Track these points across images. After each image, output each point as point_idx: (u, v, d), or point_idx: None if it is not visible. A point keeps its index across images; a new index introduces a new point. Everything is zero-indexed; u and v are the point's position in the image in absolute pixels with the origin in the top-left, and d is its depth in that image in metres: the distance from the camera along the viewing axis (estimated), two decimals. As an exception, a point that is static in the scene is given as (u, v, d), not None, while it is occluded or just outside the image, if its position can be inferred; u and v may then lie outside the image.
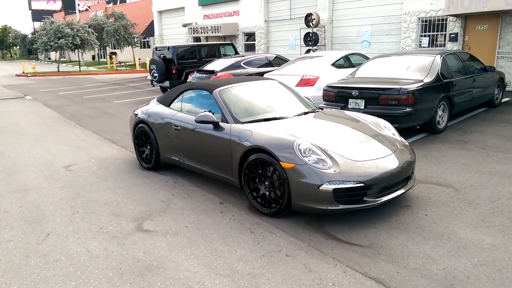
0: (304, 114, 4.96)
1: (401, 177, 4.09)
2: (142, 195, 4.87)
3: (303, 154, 3.84)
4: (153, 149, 5.64)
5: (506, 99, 10.33)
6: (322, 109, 5.35)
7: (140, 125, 5.86)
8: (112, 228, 4.02)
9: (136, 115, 6.02)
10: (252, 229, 3.89)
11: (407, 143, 4.63)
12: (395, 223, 3.93)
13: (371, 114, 5.53)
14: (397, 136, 4.70)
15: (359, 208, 3.80)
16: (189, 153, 5.13)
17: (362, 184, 3.75)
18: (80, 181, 5.45)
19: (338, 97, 7.26)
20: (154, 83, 14.06)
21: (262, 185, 4.19)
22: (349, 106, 7.05)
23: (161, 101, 5.87)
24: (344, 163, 3.86)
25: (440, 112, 7.17)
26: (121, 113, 10.92)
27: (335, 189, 3.68)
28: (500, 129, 7.38)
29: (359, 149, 4.14)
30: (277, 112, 4.94)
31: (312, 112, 5.09)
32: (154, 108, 5.83)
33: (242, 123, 4.57)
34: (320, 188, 3.69)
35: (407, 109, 6.48)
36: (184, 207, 4.48)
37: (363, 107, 6.86)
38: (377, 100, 6.70)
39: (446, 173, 5.22)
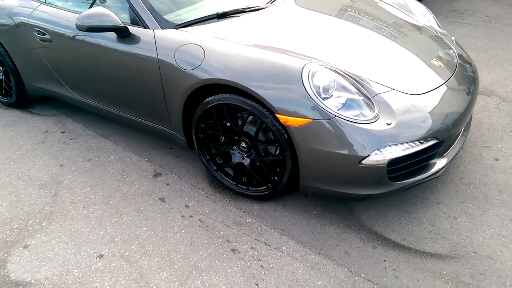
0: (280, -4, 2.78)
1: (470, 114, 2.34)
2: (1, 173, 2.65)
3: (324, 94, 1.88)
4: (10, 73, 3.18)
5: None
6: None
7: (-26, 29, 3.23)
8: None
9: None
10: (231, 241, 2.07)
11: (454, 41, 2.79)
12: (463, 187, 2.34)
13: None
14: (437, 27, 2.84)
15: (420, 182, 2.08)
16: (79, 83, 2.83)
17: (435, 141, 1.98)
18: None
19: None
20: None
21: (235, 147, 2.25)
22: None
23: (5, -19, 3.18)
24: (400, 104, 1.98)
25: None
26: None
27: (391, 161, 1.88)
28: (487, -10, 5.81)
29: (404, 69, 2.25)
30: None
31: (290, -10, 2.92)
32: (-7, -5, 3.16)
33: (177, 26, 2.32)
34: (363, 162, 1.86)
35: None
36: (86, 195, 2.42)
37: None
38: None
39: (471, 70, 3.63)
